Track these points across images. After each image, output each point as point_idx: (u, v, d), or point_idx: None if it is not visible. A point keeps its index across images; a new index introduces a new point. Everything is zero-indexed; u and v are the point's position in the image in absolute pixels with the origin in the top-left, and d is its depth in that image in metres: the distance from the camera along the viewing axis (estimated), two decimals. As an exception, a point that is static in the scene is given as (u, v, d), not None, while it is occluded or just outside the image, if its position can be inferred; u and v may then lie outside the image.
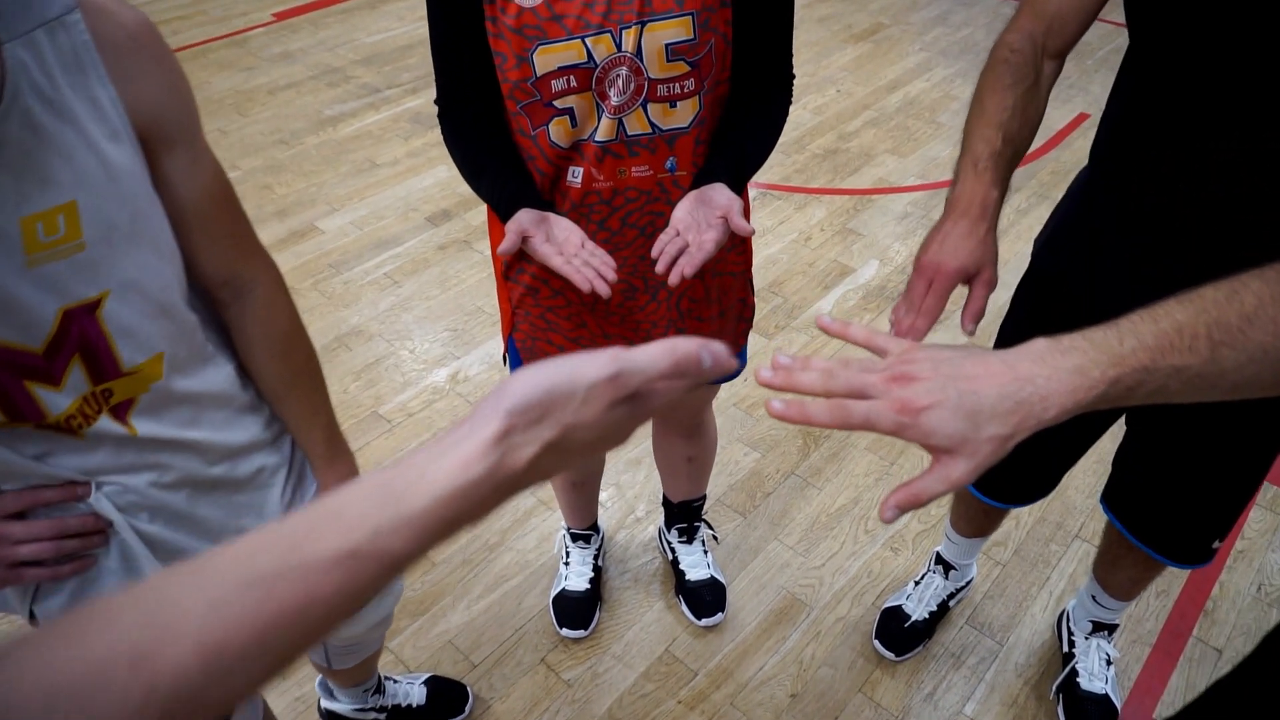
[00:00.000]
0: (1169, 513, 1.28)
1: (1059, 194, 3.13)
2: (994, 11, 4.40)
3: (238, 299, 0.91)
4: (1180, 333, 0.58)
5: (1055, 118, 3.49)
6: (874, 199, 3.07)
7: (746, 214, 1.22)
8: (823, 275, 2.72)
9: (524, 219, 0.99)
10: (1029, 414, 0.57)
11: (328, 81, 3.82)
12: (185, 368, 0.85)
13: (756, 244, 2.84)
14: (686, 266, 0.95)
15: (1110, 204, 1.09)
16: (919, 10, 4.48)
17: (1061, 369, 0.57)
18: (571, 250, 0.99)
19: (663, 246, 0.98)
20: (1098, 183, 1.13)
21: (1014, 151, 0.98)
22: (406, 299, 2.64)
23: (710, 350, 0.53)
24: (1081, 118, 3.49)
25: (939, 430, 0.57)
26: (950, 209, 0.94)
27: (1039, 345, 0.59)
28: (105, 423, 0.80)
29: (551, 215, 1.02)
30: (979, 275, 0.90)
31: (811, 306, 2.60)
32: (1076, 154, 3.28)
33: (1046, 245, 1.21)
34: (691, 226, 1.00)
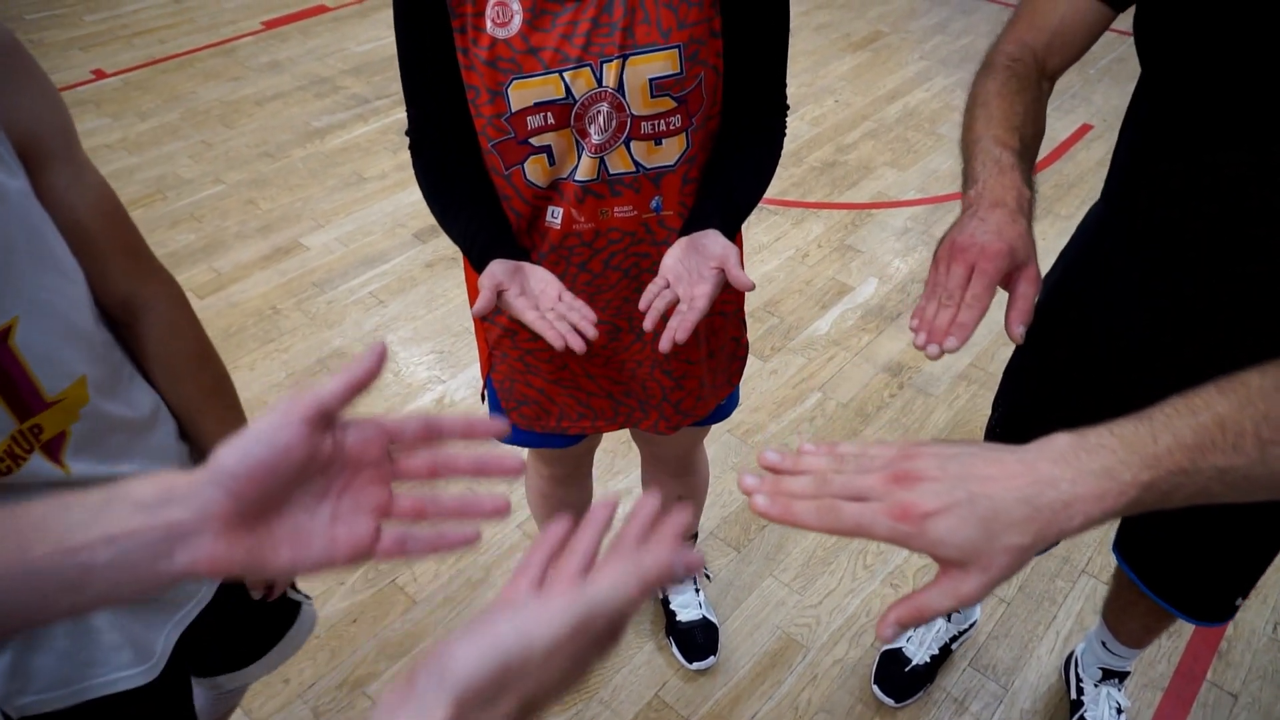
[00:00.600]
0: (1188, 567, 1.21)
1: (1063, 209, 3.08)
2: (995, 19, 4.33)
3: (136, 320, 0.87)
4: (1223, 428, 0.52)
5: (1058, 129, 3.42)
6: (873, 213, 3.00)
7: (741, 258, 1.15)
8: (820, 294, 2.65)
9: (498, 271, 0.92)
10: (1050, 522, 0.51)
11: (316, 92, 3.74)
12: (109, 390, 0.81)
13: (752, 261, 2.77)
14: (679, 331, 0.88)
15: (1120, 223, 1.03)
16: (918, 18, 4.42)
17: (1087, 471, 0.51)
18: (548, 303, 0.91)
19: (651, 299, 0.91)
20: (1110, 209, 1.06)
21: (1031, 158, 0.88)
22: (392, 319, 2.57)
23: (684, 561, 0.48)
24: (1084, 129, 3.43)
25: (948, 539, 0.50)
26: (976, 204, 0.79)
27: (1061, 442, 0.53)
28: (38, 462, 0.75)
29: (527, 265, 0.95)
30: (1023, 269, 0.75)
31: (809, 326, 2.53)
32: (1079, 166, 3.21)
33: (1058, 286, 1.14)
34: (683, 277, 0.93)
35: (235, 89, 3.79)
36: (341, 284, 2.71)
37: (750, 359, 2.47)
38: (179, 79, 3.87)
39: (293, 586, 1.14)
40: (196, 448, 0.93)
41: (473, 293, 1.17)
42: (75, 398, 0.77)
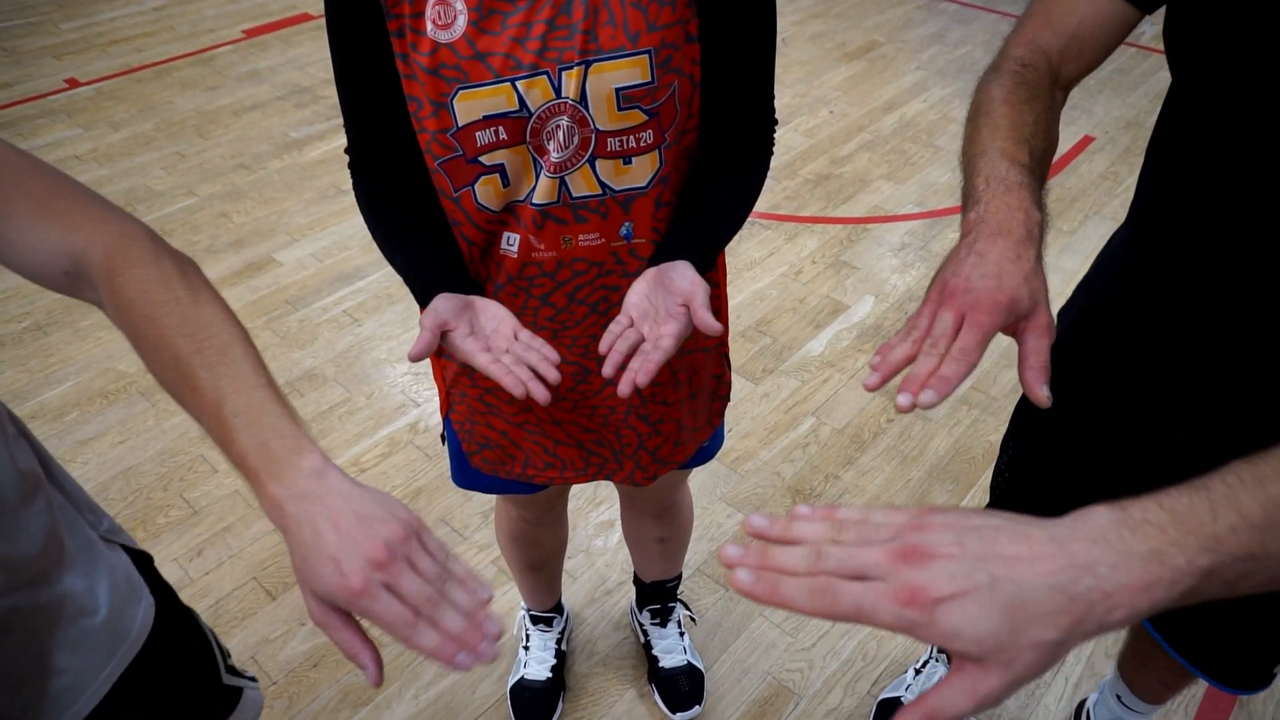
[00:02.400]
0: (1220, 627, 1.09)
1: (1065, 223, 2.97)
2: (992, 29, 4.24)
3: (91, 285, 0.67)
4: None
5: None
6: (869, 228, 2.90)
7: (723, 294, 1.04)
8: (814, 313, 2.54)
9: (442, 309, 0.80)
10: (1086, 615, 0.43)
11: (295, 102, 3.64)
12: None
13: (743, 278, 2.67)
14: (640, 374, 0.76)
15: (1149, 247, 0.92)
16: (915, 28, 4.33)
17: (1133, 554, 0.43)
18: (501, 344, 0.80)
19: (612, 341, 0.79)
20: (1138, 231, 0.95)
21: (1041, 174, 0.76)
22: (366, 339, 2.46)
23: None
24: (1086, 140, 3.33)
25: (964, 631, 0.43)
26: (976, 230, 0.68)
27: (1100, 517, 0.45)
28: None
29: (477, 300, 0.83)
30: (1033, 317, 0.64)
31: (802, 347, 2.43)
32: (1081, 179, 3.11)
33: (1080, 318, 1.03)
34: (648, 314, 0.82)
35: (212, 99, 3.69)
36: (315, 301, 2.59)
37: (741, 382, 2.37)
38: (154, 88, 3.76)
39: (229, 669, 0.96)
40: (203, 424, 0.64)
41: None
42: None
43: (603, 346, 0.79)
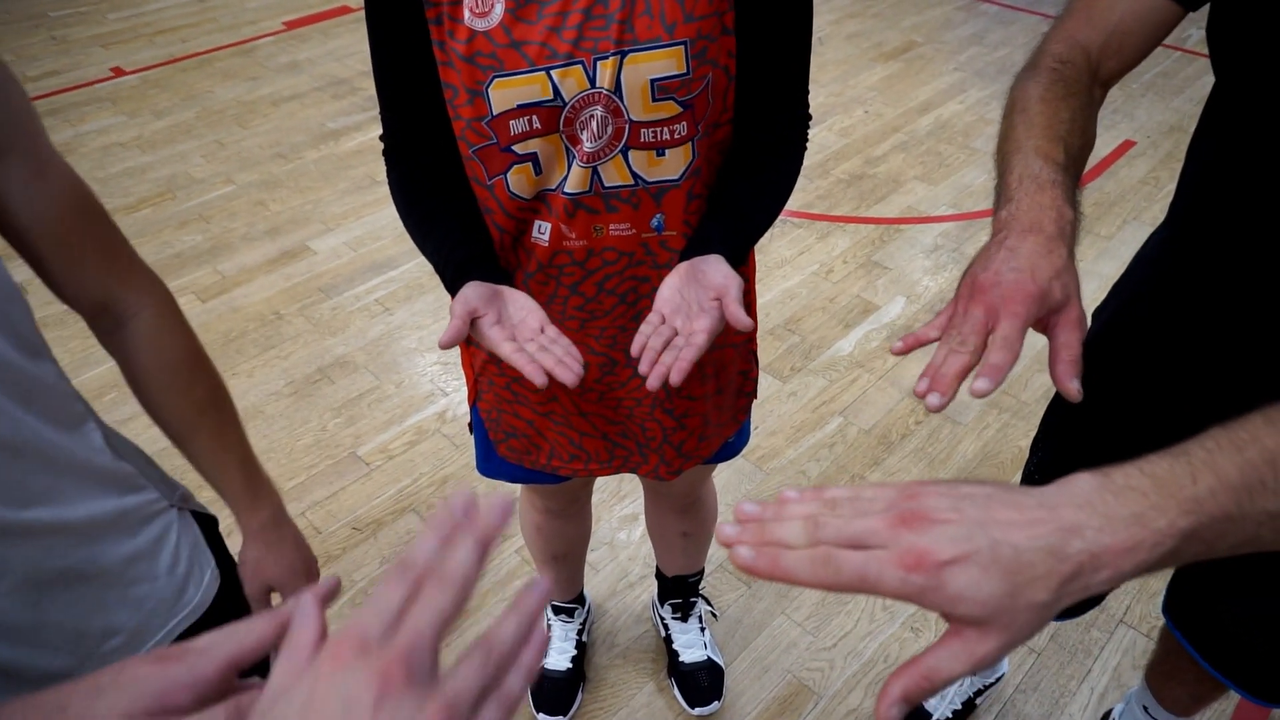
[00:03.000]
0: (1254, 635, 1.07)
1: (1103, 228, 2.92)
2: (1033, 31, 4.18)
3: (119, 327, 0.79)
4: (1275, 466, 0.45)
5: (1098, 144, 3.26)
6: (902, 229, 2.88)
7: (752, 290, 1.03)
8: (844, 312, 2.53)
9: (472, 296, 0.80)
10: (1075, 577, 0.44)
11: (333, 93, 3.68)
12: (13, 414, 0.68)
13: (773, 276, 2.66)
14: (674, 372, 0.76)
15: (1189, 248, 0.91)
16: (954, 28, 4.28)
17: (1116, 518, 0.44)
18: (527, 334, 0.81)
19: (645, 339, 0.79)
20: (1177, 233, 0.94)
21: (1077, 173, 0.76)
22: (397, 328, 2.48)
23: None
24: (1126, 145, 3.28)
25: (968, 594, 0.43)
26: (1008, 227, 0.67)
27: (1085, 484, 0.46)
28: None
29: (506, 289, 0.84)
30: (1064, 310, 0.63)
31: (831, 346, 2.41)
32: (1121, 184, 3.06)
33: (1115, 320, 1.01)
34: (680, 310, 0.81)
35: (252, 89, 3.74)
36: (347, 290, 2.63)
37: (768, 379, 2.36)
38: (197, 78, 3.82)
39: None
40: (193, 461, 0.86)
41: None
42: None
43: (635, 348, 0.79)
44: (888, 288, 2.62)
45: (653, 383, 0.76)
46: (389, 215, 2.91)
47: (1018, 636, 0.44)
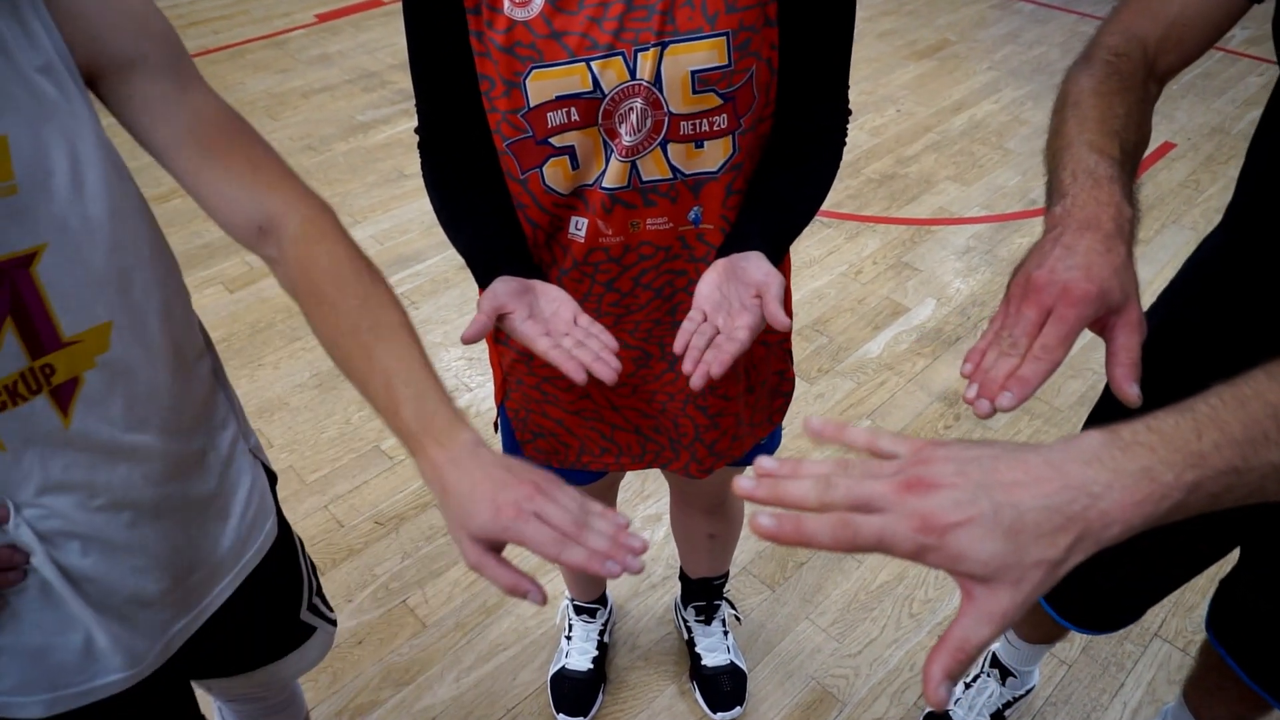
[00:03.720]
0: None
1: (1141, 232, 2.84)
2: (1070, 30, 4.11)
3: (279, 245, 0.74)
4: (1277, 418, 0.47)
5: (1136, 147, 3.21)
6: (933, 230, 2.83)
7: (788, 277, 1.01)
8: (873, 314, 2.49)
9: (500, 291, 0.79)
10: (1084, 532, 0.45)
11: (363, 86, 3.69)
12: (140, 346, 0.71)
13: (801, 276, 2.63)
14: (714, 365, 0.74)
15: (1246, 253, 0.87)
16: (988, 27, 4.22)
17: (1124, 473, 0.46)
18: (562, 327, 0.79)
19: (688, 338, 0.77)
20: (1233, 237, 0.90)
21: (1132, 169, 0.73)
22: (422, 322, 2.48)
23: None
24: (1166, 147, 3.21)
25: (971, 553, 0.45)
26: (1063, 224, 0.64)
27: (1092, 440, 0.47)
28: (40, 405, 0.66)
29: (538, 283, 0.83)
30: (1123, 312, 0.61)
31: (860, 348, 2.38)
32: (1160, 187, 3.00)
33: (1164, 327, 0.98)
34: (721, 306, 0.79)
35: (283, 81, 3.76)
36: (374, 283, 2.63)
37: (795, 381, 2.33)
38: (228, 69, 3.85)
39: (311, 607, 1.04)
40: (367, 389, 0.69)
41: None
42: (94, 343, 0.68)
43: (678, 346, 0.77)
44: (918, 290, 2.58)
45: (696, 383, 0.74)
46: (416, 209, 2.91)
47: (1031, 593, 0.46)
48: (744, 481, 0.50)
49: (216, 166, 0.72)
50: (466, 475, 0.61)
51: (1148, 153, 3.20)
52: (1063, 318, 0.60)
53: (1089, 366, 2.30)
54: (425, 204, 2.99)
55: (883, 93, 3.64)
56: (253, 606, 0.93)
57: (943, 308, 2.51)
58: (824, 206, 2.95)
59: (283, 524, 0.97)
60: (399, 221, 2.88)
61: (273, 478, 0.97)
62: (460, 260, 2.89)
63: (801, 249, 2.73)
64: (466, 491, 0.61)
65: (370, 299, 0.70)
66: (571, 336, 0.78)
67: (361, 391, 0.68)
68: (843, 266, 2.68)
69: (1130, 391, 0.59)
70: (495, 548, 0.61)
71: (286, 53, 4.02)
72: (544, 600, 0.60)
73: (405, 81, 3.68)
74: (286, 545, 0.98)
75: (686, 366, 0.76)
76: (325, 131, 3.38)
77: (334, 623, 1.10)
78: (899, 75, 3.78)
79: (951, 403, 2.21)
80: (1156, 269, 2.61)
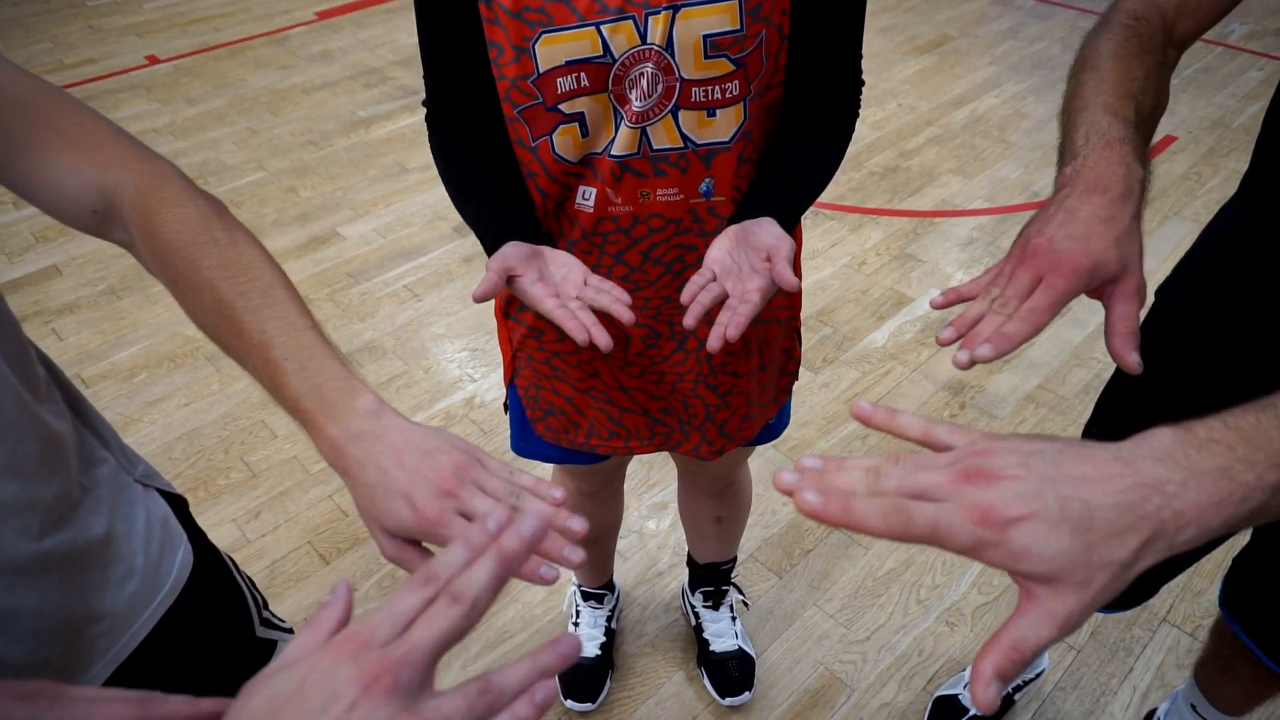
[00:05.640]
0: None
1: (1144, 224, 2.86)
2: (1070, 25, 4.12)
3: (121, 225, 0.64)
4: None
5: (1137, 140, 3.20)
6: (935, 222, 2.83)
7: (798, 258, 1.01)
8: (877, 304, 2.49)
9: (510, 254, 0.79)
10: (1157, 534, 0.42)
11: (364, 82, 3.69)
12: None
13: (805, 268, 2.62)
14: (730, 327, 0.73)
15: (1263, 225, 0.87)
16: (989, 23, 4.22)
17: (1201, 472, 0.42)
18: (570, 291, 0.78)
19: (694, 293, 0.77)
20: (1250, 209, 0.90)
21: (1148, 133, 0.72)
22: (426, 314, 2.47)
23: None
24: (1168, 140, 3.20)
25: (1036, 550, 0.42)
26: (1071, 184, 0.64)
27: (1165, 437, 0.44)
28: None
29: (546, 249, 0.82)
30: (1121, 280, 0.61)
31: (864, 339, 2.37)
32: (1162, 180, 2.99)
33: (1178, 301, 0.98)
34: (731, 271, 0.79)
35: (284, 77, 3.76)
36: (376, 276, 2.62)
37: (800, 370, 2.32)
38: (229, 66, 3.85)
39: (264, 622, 0.91)
40: (249, 368, 0.61)
41: (500, 304, 1.05)
42: None
43: (685, 296, 0.77)
44: (921, 280, 2.58)
45: (713, 344, 0.74)
46: (418, 203, 2.90)
47: (1098, 597, 0.42)
48: (786, 476, 0.46)
49: (26, 151, 0.62)
50: (371, 460, 0.53)
51: (1151, 146, 3.21)
52: (1053, 286, 0.60)
53: (1094, 356, 2.29)
54: (427, 198, 3.00)
55: (884, 87, 3.64)
56: (193, 634, 0.80)
57: (946, 298, 2.50)
58: (826, 199, 2.95)
59: (202, 547, 0.85)
60: (401, 215, 2.87)
61: (178, 501, 0.84)
62: (462, 253, 2.88)
63: (805, 240, 2.73)
64: (375, 481, 0.53)
65: (229, 264, 0.60)
66: (580, 299, 0.77)
67: (247, 372, 0.60)
68: (846, 258, 2.67)
69: (1130, 359, 0.59)
70: (415, 540, 0.55)
71: (287, 49, 4.02)
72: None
73: (406, 78, 3.68)
74: (213, 566, 0.86)
75: (688, 320, 0.75)
76: (326, 127, 3.38)
77: (293, 633, 0.95)
78: (900, 70, 3.78)
79: (956, 391, 2.21)
80: (1159, 261, 2.60)
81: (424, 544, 0.55)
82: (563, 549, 0.52)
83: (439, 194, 2.95)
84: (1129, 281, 0.61)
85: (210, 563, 0.86)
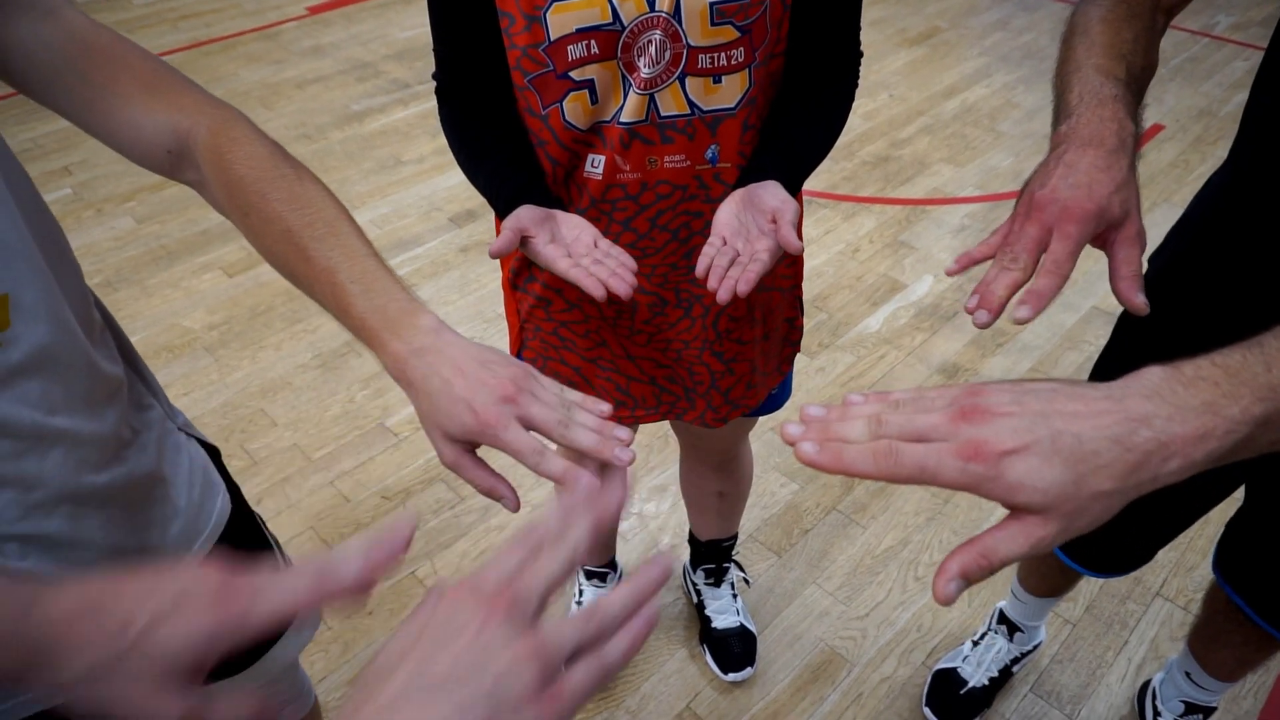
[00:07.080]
0: None
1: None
2: (1059, 17, 4.15)
3: (195, 165, 0.68)
4: None
5: (1126, 128, 3.24)
6: (928, 210, 2.86)
7: (799, 224, 1.03)
8: (871, 290, 2.51)
9: (524, 215, 0.81)
10: (1144, 466, 0.43)
11: (357, 76, 3.69)
12: (44, 322, 0.62)
13: (800, 255, 2.64)
14: (740, 283, 0.75)
15: (1252, 188, 0.89)
16: (978, 14, 4.26)
17: (1187, 407, 0.44)
18: (582, 251, 0.80)
19: (710, 260, 0.79)
20: (1240, 173, 0.92)
21: (1139, 92, 0.74)
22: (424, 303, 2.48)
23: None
24: (1155, 129, 3.24)
25: (1028, 482, 0.43)
26: (1066, 141, 0.67)
27: (1154, 375, 0.46)
28: None
29: (558, 212, 0.84)
30: (1123, 226, 0.63)
31: (858, 324, 2.40)
32: (1150, 167, 3.03)
33: (1170, 267, 1.00)
34: (739, 233, 0.81)
35: (277, 72, 3.76)
36: (374, 266, 2.63)
37: (797, 356, 2.34)
38: (221, 61, 3.84)
39: None
40: (315, 294, 0.65)
41: (508, 275, 1.07)
42: None
43: (700, 268, 0.78)
44: (914, 266, 2.60)
45: (722, 295, 0.76)
46: (414, 194, 2.91)
47: (1083, 525, 0.44)
48: (791, 427, 0.48)
49: (105, 95, 0.66)
50: (435, 371, 0.57)
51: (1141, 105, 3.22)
52: (1066, 234, 0.62)
53: (1085, 339, 2.32)
54: (423, 189, 3.01)
55: (875, 79, 3.67)
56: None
57: (940, 283, 2.53)
58: (819, 187, 2.97)
59: (237, 498, 0.89)
60: (397, 206, 2.88)
61: (213, 450, 0.89)
62: (459, 244, 2.89)
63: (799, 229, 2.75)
64: (439, 390, 0.57)
65: (297, 198, 0.64)
66: (590, 257, 0.79)
67: (312, 298, 0.64)
68: (840, 245, 2.70)
69: (1137, 299, 0.61)
70: (472, 447, 0.59)
71: (279, 45, 4.02)
72: (517, 507, 0.60)
73: (399, 71, 3.68)
74: (246, 518, 0.91)
75: (711, 283, 0.77)
76: (320, 120, 3.38)
77: None
78: (890, 62, 3.81)
79: (951, 375, 2.23)
80: (1150, 246, 2.64)
81: (477, 454, 0.60)
82: (614, 449, 0.58)
83: (434, 185, 2.96)
84: (1130, 227, 0.63)
85: (243, 515, 0.90)
